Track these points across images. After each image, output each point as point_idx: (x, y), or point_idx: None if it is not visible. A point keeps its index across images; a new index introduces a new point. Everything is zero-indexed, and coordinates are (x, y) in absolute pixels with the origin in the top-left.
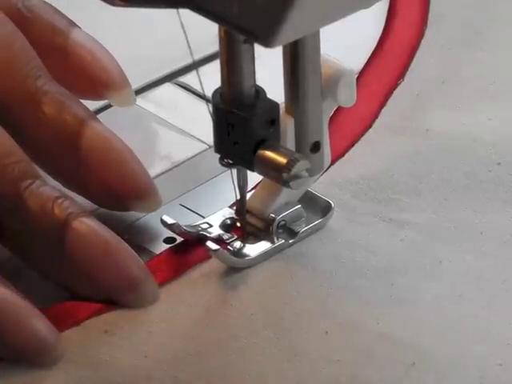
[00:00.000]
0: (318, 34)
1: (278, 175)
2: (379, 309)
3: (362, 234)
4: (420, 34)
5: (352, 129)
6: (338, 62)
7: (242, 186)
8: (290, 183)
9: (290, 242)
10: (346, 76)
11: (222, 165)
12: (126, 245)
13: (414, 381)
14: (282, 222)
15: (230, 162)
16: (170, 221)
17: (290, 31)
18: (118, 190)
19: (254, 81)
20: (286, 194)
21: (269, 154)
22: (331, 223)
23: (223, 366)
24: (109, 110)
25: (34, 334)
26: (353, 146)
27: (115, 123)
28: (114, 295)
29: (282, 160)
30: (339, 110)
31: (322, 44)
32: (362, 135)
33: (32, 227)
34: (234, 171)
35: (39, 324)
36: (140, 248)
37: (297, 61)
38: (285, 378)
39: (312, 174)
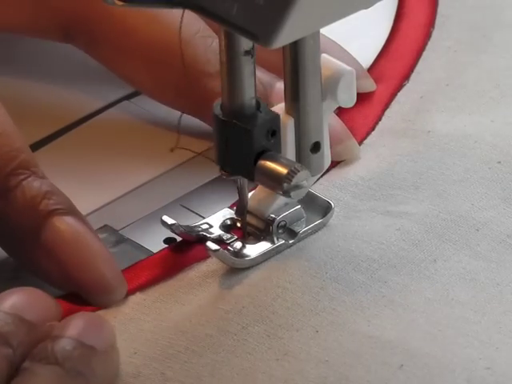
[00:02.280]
0: (317, 34)
1: (278, 186)
2: (371, 310)
3: (359, 226)
4: (427, 36)
5: (355, 131)
6: (338, 63)
7: (243, 187)
8: (291, 193)
9: (290, 242)
10: (346, 76)
11: (223, 175)
12: (105, 249)
13: (402, 382)
14: (282, 223)
15: (231, 172)
16: (169, 221)
17: (290, 31)
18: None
19: (255, 92)
20: None
21: (269, 164)
22: (329, 220)
23: (212, 364)
24: (108, 110)
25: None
26: None
27: (115, 124)
28: (83, 294)
29: (283, 170)
30: (342, 111)
31: None
32: (365, 138)
33: (16, 217)
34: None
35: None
36: (140, 248)
37: (297, 61)
38: (272, 377)
39: (312, 174)
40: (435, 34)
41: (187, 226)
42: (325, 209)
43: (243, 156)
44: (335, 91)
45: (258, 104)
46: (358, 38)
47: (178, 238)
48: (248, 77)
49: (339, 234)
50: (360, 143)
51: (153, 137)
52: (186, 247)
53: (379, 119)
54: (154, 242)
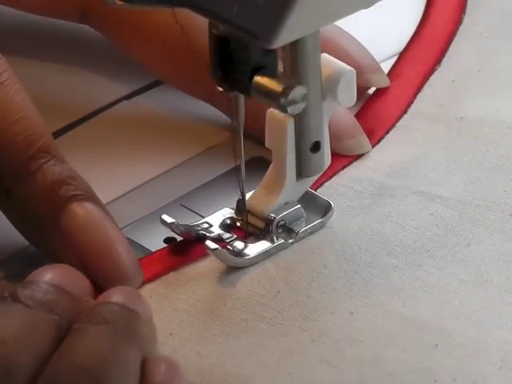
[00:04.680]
0: (317, 33)
1: (275, 100)
2: (405, 292)
3: (392, 204)
4: (458, 21)
5: (387, 115)
6: (338, 62)
7: (239, 103)
8: (288, 108)
9: (290, 241)
10: (346, 76)
11: (220, 91)
12: (123, 237)
13: (436, 362)
14: (282, 222)
15: (227, 87)
16: (169, 220)
17: (290, 31)
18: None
19: None
20: (286, 194)
21: (266, 79)
22: (363, 198)
23: (247, 346)
24: (109, 110)
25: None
26: (388, 132)
27: (115, 123)
28: (100, 281)
29: (280, 85)
30: (375, 95)
31: (362, 30)
32: (397, 121)
33: (36, 201)
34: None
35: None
36: (140, 247)
37: (297, 61)
38: (308, 357)
39: (312, 174)
40: (466, 19)
41: (187, 225)
42: (325, 208)
43: (240, 71)
44: (335, 91)
45: None
46: (389, 22)
47: (178, 238)
48: None
49: (373, 214)
50: (392, 126)
51: (152, 137)
52: (187, 245)
53: (411, 102)
54: (154, 241)
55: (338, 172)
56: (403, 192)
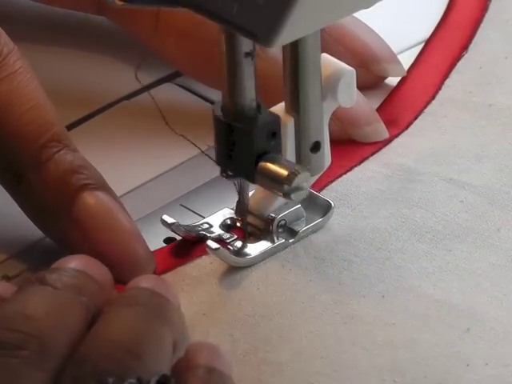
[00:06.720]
0: (318, 33)
1: (279, 187)
2: (436, 275)
3: (422, 191)
4: (484, 8)
5: (415, 100)
6: (338, 62)
7: (243, 188)
8: (291, 195)
9: (290, 241)
10: (346, 76)
11: (223, 176)
12: (134, 225)
13: (468, 346)
14: (282, 222)
15: (231, 174)
16: (169, 220)
17: (290, 31)
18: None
19: (256, 94)
20: None
21: (270, 166)
22: (392, 182)
23: (280, 328)
24: (109, 110)
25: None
26: (416, 118)
27: (115, 123)
28: (112, 270)
29: (283, 172)
30: (402, 82)
31: (389, 17)
32: (425, 107)
33: (48, 190)
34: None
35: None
36: None
37: (297, 61)
38: (340, 340)
39: (312, 174)
40: (492, 6)
41: (187, 226)
42: (325, 208)
43: (244, 158)
44: (335, 91)
45: (258, 106)
46: (416, 9)
47: (178, 238)
48: (248, 78)
49: (403, 200)
50: (420, 112)
51: (152, 137)
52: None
53: (439, 89)
54: (154, 241)
55: (367, 158)
56: (432, 179)
